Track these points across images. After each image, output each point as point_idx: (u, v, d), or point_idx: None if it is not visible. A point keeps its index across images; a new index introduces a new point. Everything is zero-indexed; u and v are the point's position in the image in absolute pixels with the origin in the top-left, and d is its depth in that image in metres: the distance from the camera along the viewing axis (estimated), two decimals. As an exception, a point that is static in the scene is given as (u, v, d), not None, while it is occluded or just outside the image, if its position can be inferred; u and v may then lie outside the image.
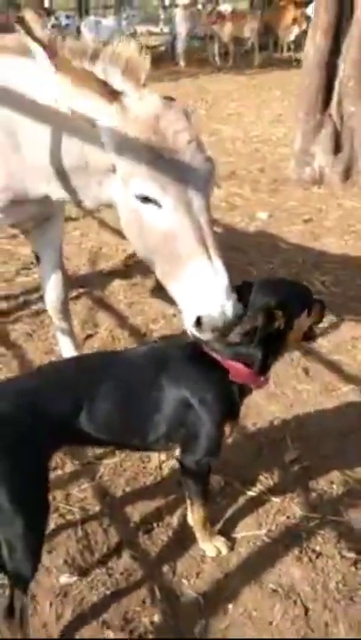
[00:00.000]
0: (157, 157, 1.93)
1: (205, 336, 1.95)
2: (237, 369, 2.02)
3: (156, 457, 2.66)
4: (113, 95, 1.98)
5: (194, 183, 1.95)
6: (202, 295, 1.92)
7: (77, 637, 1.96)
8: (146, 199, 1.98)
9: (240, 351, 2.00)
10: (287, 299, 2.04)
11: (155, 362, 2.13)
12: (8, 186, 2.41)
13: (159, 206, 1.96)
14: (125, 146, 1.99)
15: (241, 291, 1.98)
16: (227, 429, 2.09)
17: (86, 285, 4.31)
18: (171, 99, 2.10)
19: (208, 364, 2.04)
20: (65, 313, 3.17)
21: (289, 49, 17.50)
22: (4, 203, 2.47)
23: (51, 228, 2.93)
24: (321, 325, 3.57)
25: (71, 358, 2.83)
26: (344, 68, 5.91)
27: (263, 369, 2.07)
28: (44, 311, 3.78)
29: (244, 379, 2.05)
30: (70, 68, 1.94)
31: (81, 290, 4.21)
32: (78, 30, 17.16)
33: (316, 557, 2.17)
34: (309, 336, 2.23)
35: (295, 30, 16.32)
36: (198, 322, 1.92)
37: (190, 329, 1.96)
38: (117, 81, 2.06)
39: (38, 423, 1.86)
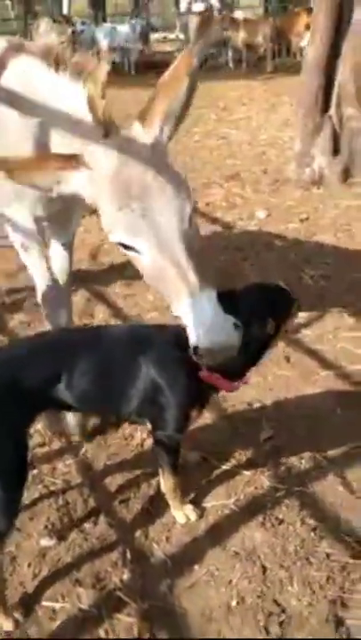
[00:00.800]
0: (124, 208, 1.92)
1: (203, 363, 1.99)
2: (219, 382, 2.14)
3: (138, 436, 2.80)
4: (75, 164, 1.99)
5: (166, 222, 1.91)
6: (191, 329, 1.91)
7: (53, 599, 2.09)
8: (125, 246, 1.99)
9: (227, 365, 2.01)
10: (277, 308, 2.16)
11: (136, 342, 2.26)
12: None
13: (138, 252, 1.96)
14: (96, 201, 2.03)
15: (223, 298, 1.94)
16: (193, 414, 2.23)
17: (86, 278, 4.46)
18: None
19: (185, 354, 2.05)
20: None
21: (301, 55, 17.58)
22: (39, 198, 2.60)
23: (68, 222, 3.09)
24: (307, 316, 3.74)
25: (55, 330, 2.87)
26: (343, 70, 6.02)
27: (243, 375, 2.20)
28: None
29: (224, 388, 2.19)
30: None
31: (80, 282, 4.36)
32: (93, 37, 17.45)
33: (279, 524, 2.30)
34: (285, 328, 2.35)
35: (308, 36, 16.37)
36: (195, 350, 1.93)
37: (192, 355, 1.96)
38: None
39: (18, 390, 2.00)
